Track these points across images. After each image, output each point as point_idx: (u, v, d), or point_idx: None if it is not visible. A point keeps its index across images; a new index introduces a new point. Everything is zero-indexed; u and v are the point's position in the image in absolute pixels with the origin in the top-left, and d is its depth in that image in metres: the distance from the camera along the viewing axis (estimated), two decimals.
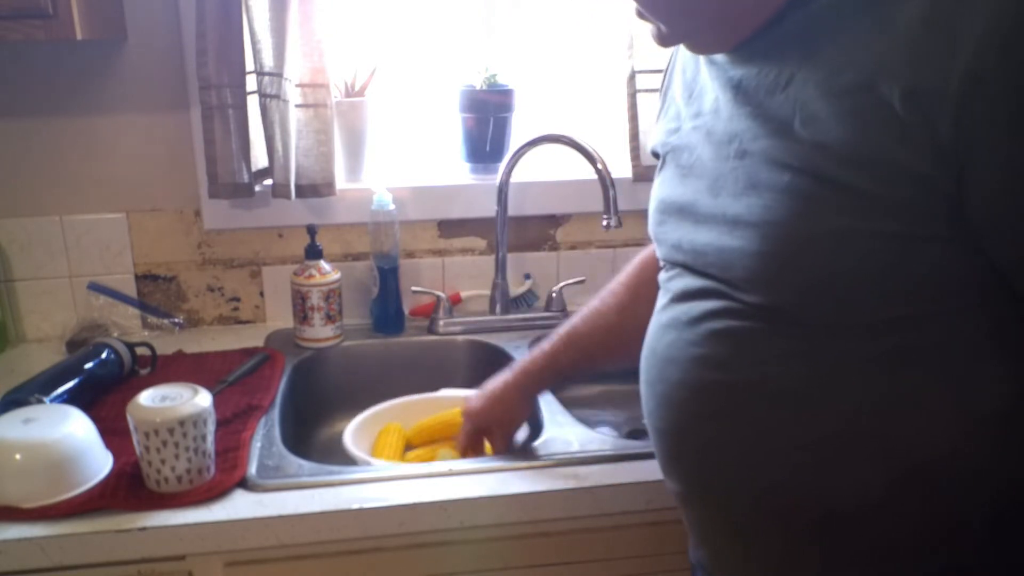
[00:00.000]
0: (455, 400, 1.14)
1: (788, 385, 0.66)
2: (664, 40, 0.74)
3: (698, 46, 0.74)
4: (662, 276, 0.81)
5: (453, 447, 1.08)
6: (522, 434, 1.07)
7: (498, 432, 1.04)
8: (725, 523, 0.74)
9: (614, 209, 1.28)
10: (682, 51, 0.83)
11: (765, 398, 0.67)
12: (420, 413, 1.17)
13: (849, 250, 0.61)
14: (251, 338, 1.36)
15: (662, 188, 0.82)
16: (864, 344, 0.63)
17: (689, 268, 0.75)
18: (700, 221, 0.73)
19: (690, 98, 0.79)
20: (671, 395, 0.74)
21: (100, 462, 0.93)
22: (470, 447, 1.05)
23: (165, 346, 1.31)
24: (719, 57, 0.73)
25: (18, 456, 0.86)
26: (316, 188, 1.33)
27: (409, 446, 1.13)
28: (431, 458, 1.07)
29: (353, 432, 1.08)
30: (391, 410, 1.16)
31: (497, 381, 1.03)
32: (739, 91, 0.69)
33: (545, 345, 1.03)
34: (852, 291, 0.62)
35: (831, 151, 0.60)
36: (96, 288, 1.36)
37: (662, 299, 0.80)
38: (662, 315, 0.78)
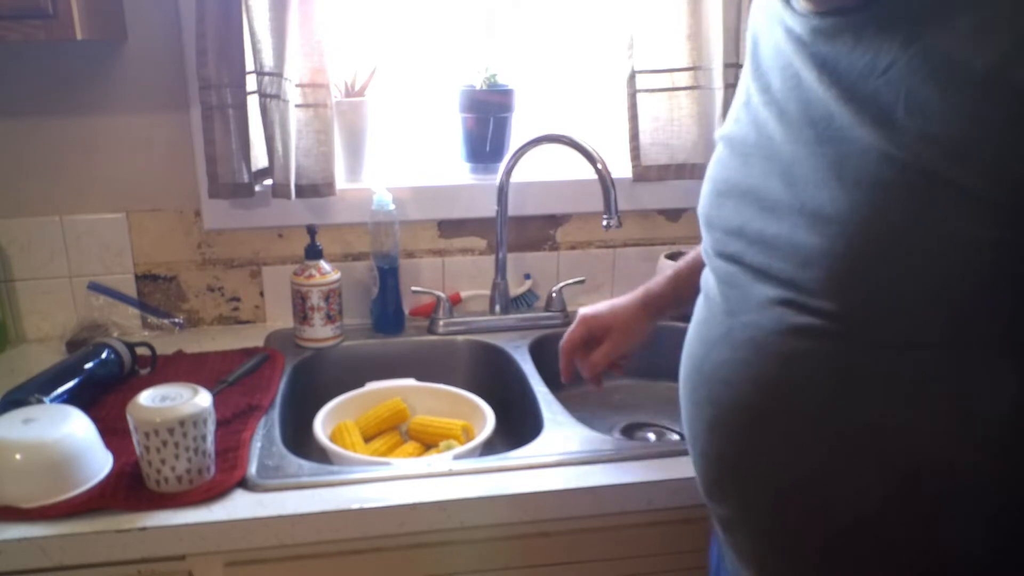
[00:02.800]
0: (396, 390, 1.22)
1: (866, 411, 0.60)
2: None
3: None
4: (708, 279, 0.74)
5: (458, 437, 1.09)
6: (627, 363, 1.03)
7: (609, 344, 0.98)
8: (781, 546, 0.69)
9: (614, 209, 1.28)
10: (756, 19, 0.76)
11: (839, 425, 0.61)
12: (369, 404, 1.20)
13: (959, 258, 0.54)
14: (251, 338, 1.36)
15: (719, 168, 0.75)
16: (940, 364, 0.57)
17: (749, 266, 0.68)
18: (768, 209, 0.66)
19: (758, 71, 0.72)
20: (724, 420, 0.68)
21: (100, 462, 0.93)
22: (573, 352, 0.99)
23: (165, 346, 1.31)
24: (803, 30, 0.65)
25: (18, 456, 0.86)
26: (316, 188, 1.33)
27: (366, 438, 1.15)
28: (395, 445, 1.12)
29: (322, 430, 1.09)
30: (345, 405, 1.18)
31: (620, 298, 1.00)
32: (825, 70, 0.62)
33: (660, 277, 1.00)
34: (960, 305, 0.55)
35: (941, 145, 0.54)
36: (96, 288, 1.36)
37: (709, 308, 0.73)
38: (711, 328, 0.71)
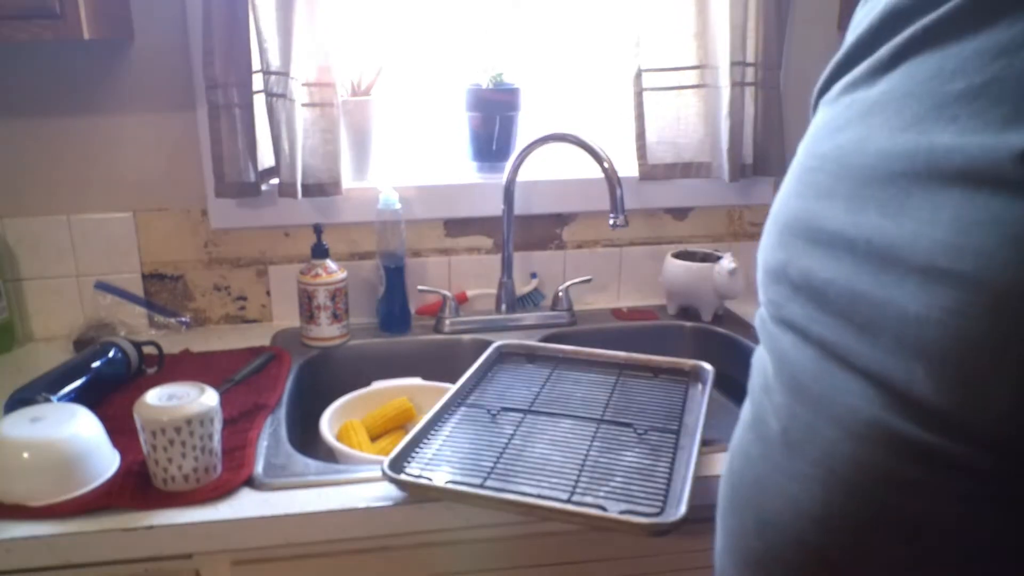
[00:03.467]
0: (402, 389, 1.22)
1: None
2: None
3: None
4: (762, 357, 0.57)
5: None
6: None
7: None
8: None
9: (621, 208, 1.28)
10: None
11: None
12: (375, 403, 1.20)
13: None
14: (257, 337, 1.37)
15: (782, 187, 0.58)
16: None
17: (810, 339, 0.50)
18: (822, 243, 0.50)
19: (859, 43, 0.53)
20: (771, 566, 0.52)
21: (107, 461, 0.93)
22: None
23: (172, 345, 1.31)
24: None
25: (26, 455, 0.86)
26: (322, 187, 1.33)
27: (372, 437, 1.15)
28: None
29: (328, 429, 1.09)
30: (351, 404, 1.18)
31: None
32: (970, 12, 0.44)
33: None
34: None
35: None
36: (103, 287, 1.37)
37: (756, 402, 0.56)
38: (760, 430, 0.54)
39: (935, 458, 0.42)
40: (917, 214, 0.43)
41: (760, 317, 0.58)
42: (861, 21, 0.53)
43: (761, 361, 0.58)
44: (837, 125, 0.52)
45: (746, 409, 0.59)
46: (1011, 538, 0.41)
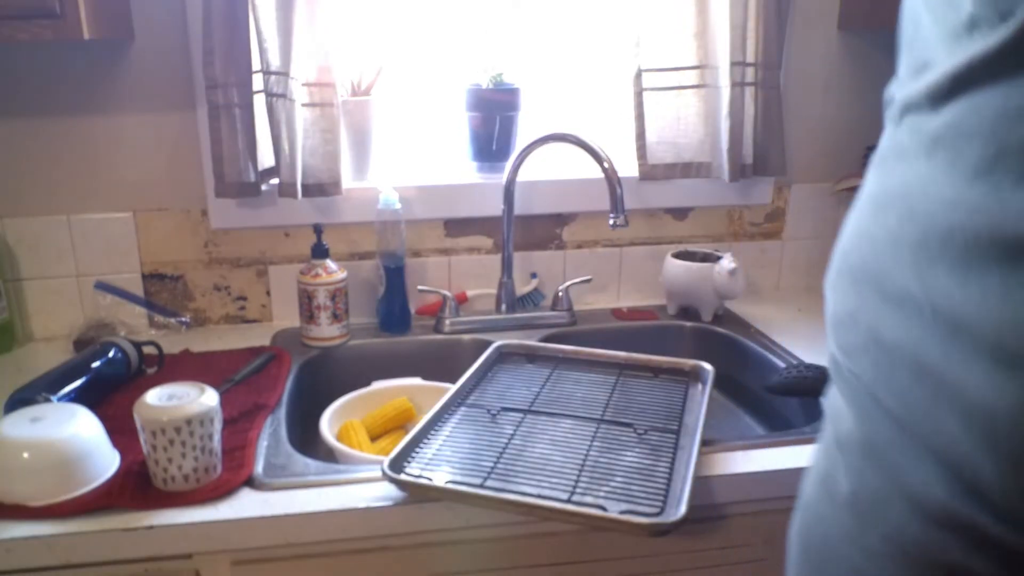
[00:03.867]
0: (402, 389, 1.22)
1: None
2: None
3: None
4: (834, 401, 0.53)
5: None
6: None
7: None
8: None
9: (620, 208, 1.28)
10: None
11: None
12: (375, 403, 1.20)
13: None
14: (258, 337, 1.37)
15: (853, 214, 0.53)
16: None
17: (879, 404, 0.47)
18: (891, 298, 0.45)
19: (911, 44, 0.50)
20: None
21: (107, 461, 0.93)
22: None
23: (172, 345, 1.31)
24: None
25: (25, 455, 0.86)
26: (322, 187, 1.33)
27: (372, 437, 1.15)
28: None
29: (328, 429, 1.09)
30: (351, 404, 1.18)
31: None
32: None
33: None
34: None
35: None
36: (103, 287, 1.37)
37: (829, 456, 0.53)
38: (829, 488, 0.52)
39: (1008, 554, 0.40)
40: (985, 282, 0.39)
41: (833, 361, 0.54)
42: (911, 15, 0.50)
43: (835, 410, 0.54)
44: (904, 154, 0.48)
45: (817, 458, 0.57)
46: None
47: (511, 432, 1.00)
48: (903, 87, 0.50)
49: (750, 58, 1.39)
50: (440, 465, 0.91)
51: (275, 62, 1.25)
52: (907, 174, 0.46)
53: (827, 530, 0.52)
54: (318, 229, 1.32)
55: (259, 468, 0.95)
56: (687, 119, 1.43)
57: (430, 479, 0.88)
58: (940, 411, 0.41)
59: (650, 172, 1.45)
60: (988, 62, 0.41)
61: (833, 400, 0.55)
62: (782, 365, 1.24)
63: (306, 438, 1.13)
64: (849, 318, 0.50)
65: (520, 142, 1.41)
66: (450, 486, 0.86)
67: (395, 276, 1.37)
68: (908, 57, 0.50)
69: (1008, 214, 0.38)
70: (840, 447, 0.52)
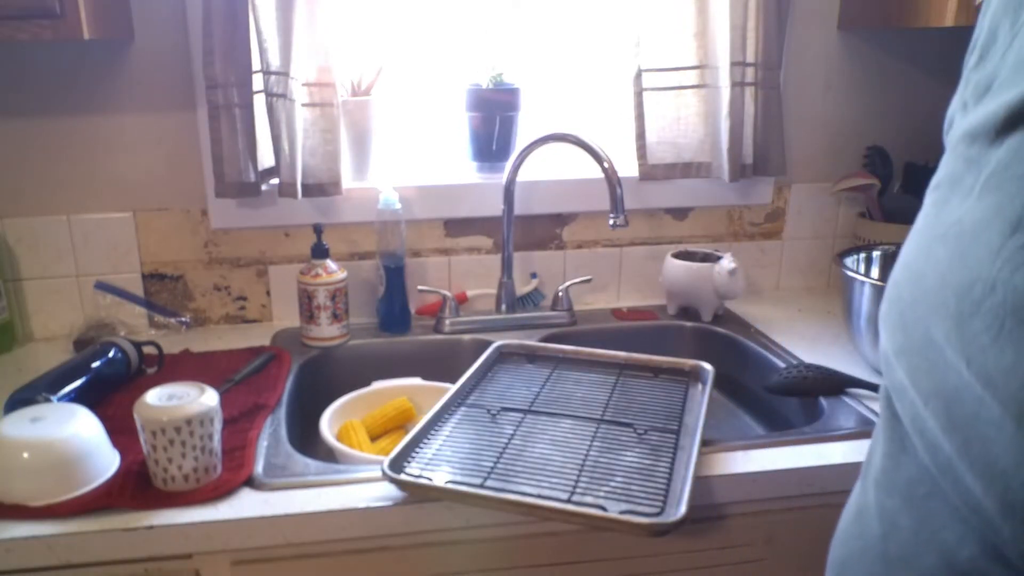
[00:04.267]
0: (402, 389, 1.22)
1: None
2: None
3: None
4: (877, 443, 0.53)
5: None
6: None
7: None
8: None
9: (620, 208, 1.28)
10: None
11: None
12: (375, 403, 1.20)
13: None
14: (258, 337, 1.37)
15: (908, 242, 0.50)
16: None
17: (912, 438, 0.46)
18: (934, 343, 0.43)
19: (982, 63, 0.47)
20: None
21: (107, 461, 0.93)
22: None
23: (172, 345, 1.31)
24: None
25: (25, 454, 0.86)
26: (322, 187, 1.33)
27: (372, 437, 1.15)
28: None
29: (328, 429, 1.09)
30: (351, 404, 1.18)
31: None
32: None
33: None
34: None
35: None
36: (103, 287, 1.37)
37: (864, 497, 0.53)
38: (867, 512, 0.51)
39: None
40: (1018, 345, 0.37)
41: (884, 394, 0.53)
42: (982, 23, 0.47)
43: (878, 445, 0.53)
44: (960, 187, 0.45)
45: (855, 496, 0.56)
46: None
47: (511, 432, 1.00)
48: (967, 110, 0.47)
49: (750, 58, 1.39)
50: (440, 465, 0.91)
51: (275, 62, 1.25)
52: (961, 211, 0.43)
53: (858, 570, 0.52)
54: (318, 229, 1.32)
55: (259, 468, 0.95)
56: (687, 119, 1.43)
57: (430, 479, 0.88)
58: (970, 466, 0.40)
59: (650, 172, 1.45)
60: None
61: (878, 434, 0.53)
62: (782, 365, 1.24)
63: (306, 438, 1.13)
64: (897, 355, 0.48)
65: (520, 142, 1.41)
66: (450, 486, 0.86)
67: (395, 276, 1.37)
68: (978, 73, 0.47)
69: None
70: (877, 486, 0.51)
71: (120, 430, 0.97)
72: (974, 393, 0.39)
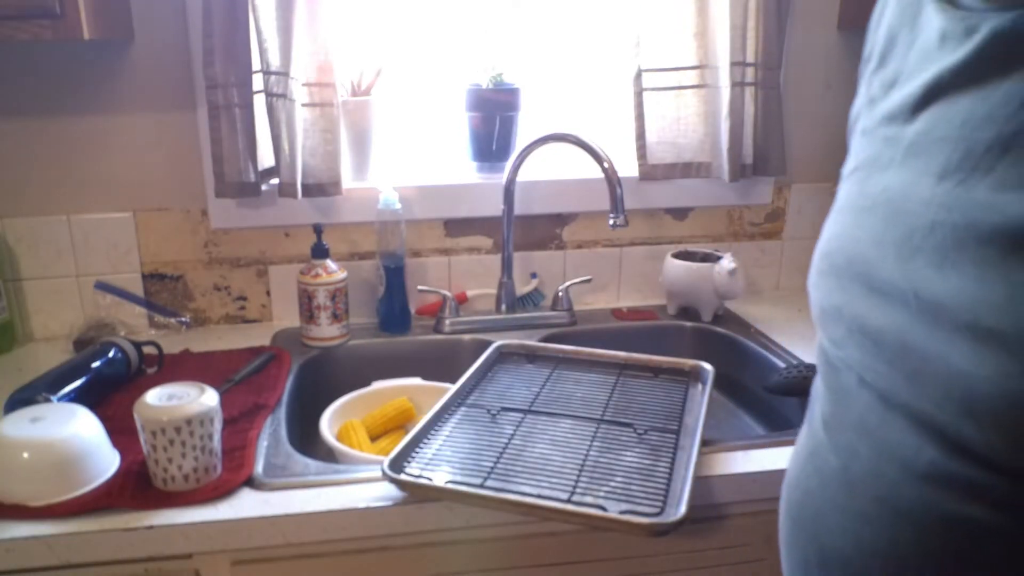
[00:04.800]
0: (402, 389, 1.22)
1: None
2: None
3: None
4: (817, 385, 0.60)
5: None
6: None
7: None
8: None
9: (620, 208, 1.28)
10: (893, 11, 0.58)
11: None
12: (375, 403, 1.20)
13: None
14: (258, 337, 1.37)
15: (832, 220, 0.58)
16: None
17: (864, 382, 0.52)
18: (876, 291, 0.50)
19: (882, 66, 0.56)
20: None
21: (107, 461, 0.93)
22: None
23: (172, 345, 1.31)
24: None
25: (25, 454, 0.86)
26: (322, 187, 1.33)
27: (372, 437, 1.15)
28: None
29: (328, 429, 1.09)
30: (351, 404, 1.18)
31: None
32: (996, 57, 0.44)
33: None
34: None
35: None
36: (103, 287, 1.37)
37: (813, 433, 0.59)
38: (818, 462, 0.57)
39: (996, 498, 0.44)
40: (961, 269, 0.43)
41: (822, 351, 0.59)
42: (876, 29, 0.57)
43: (820, 395, 0.60)
44: (882, 163, 0.53)
45: (802, 442, 0.62)
46: None
47: (511, 432, 1.00)
48: (875, 104, 0.57)
49: (750, 58, 1.39)
50: (440, 465, 0.91)
51: (275, 62, 1.25)
52: (886, 179, 0.52)
53: (818, 504, 0.57)
54: (318, 229, 1.32)
55: (259, 468, 0.95)
56: (687, 119, 1.43)
57: (430, 479, 0.88)
58: (924, 384, 0.46)
59: (650, 172, 1.45)
60: (956, 73, 0.47)
61: (818, 386, 0.61)
62: (782, 365, 1.24)
63: (306, 438, 1.13)
64: (835, 312, 0.55)
65: (520, 142, 1.41)
66: (450, 486, 0.86)
67: (395, 276, 1.37)
68: (879, 76, 0.57)
69: (974, 207, 0.43)
70: (827, 428, 0.57)
71: (120, 430, 0.97)
72: (924, 320, 0.46)
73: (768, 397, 1.25)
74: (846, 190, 0.57)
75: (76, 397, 1.04)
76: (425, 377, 1.27)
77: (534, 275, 1.51)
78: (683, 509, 0.81)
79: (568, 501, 0.84)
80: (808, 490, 0.58)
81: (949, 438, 0.45)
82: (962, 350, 0.43)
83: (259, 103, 1.28)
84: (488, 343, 1.25)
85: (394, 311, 1.39)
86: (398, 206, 1.35)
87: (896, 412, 0.49)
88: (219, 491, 0.90)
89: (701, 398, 1.08)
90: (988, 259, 0.42)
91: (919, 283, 0.46)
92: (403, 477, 0.88)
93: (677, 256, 1.45)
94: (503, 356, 1.24)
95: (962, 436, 0.44)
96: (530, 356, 1.24)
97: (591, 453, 0.95)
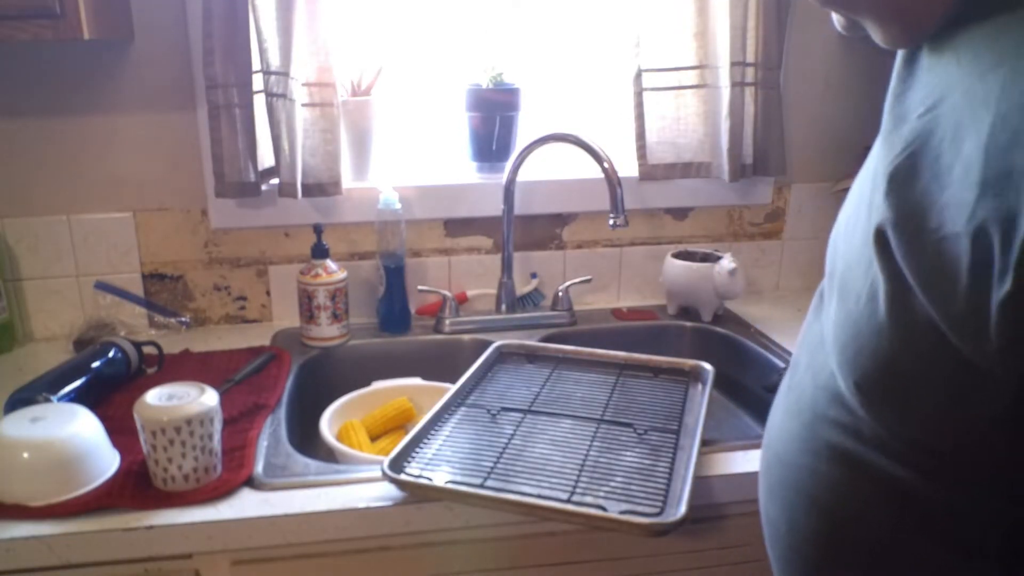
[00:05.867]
0: (402, 389, 1.22)
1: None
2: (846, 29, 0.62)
3: (881, 35, 0.57)
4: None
5: None
6: None
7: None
8: None
9: (620, 208, 1.28)
10: None
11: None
12: (375, 403, 1.20)
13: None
14: (258, 337, 1.37)
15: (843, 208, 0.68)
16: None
17: (814, 327, 0.66)
18: (838, 250, 0.63)
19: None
20: (796, 521, 0.66)
21: (107, 461, 0.93)
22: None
23: (172, 345, 1.31)
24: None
25: (26, 455, 0.86)
26: (322, 187, 1.33)
27: (372, 437, 1.15)
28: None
29: (328, 429, 1.09)
30: (351, 404, 1.18)
31: None
32: (899, 98, 0.55)
33: None
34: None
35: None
36: (103, 287, 1.37)
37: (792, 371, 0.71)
38: (790, 393, 0.69)
39: (864, 433, 0.56)
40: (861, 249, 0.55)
41: (818, 292, 0.71)
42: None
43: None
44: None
45: (788, 380, 0.72)
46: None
47: (511, 432, 1.00)
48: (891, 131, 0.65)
49: (750, 58, 1.39)
50: (440, 465, 0.91)
51: (275, 62, 1.25)
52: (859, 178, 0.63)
53: (771, 414, 0.71)
54: (318, 229, 1.32)
55: (259, 468, 0.95)
56: (687, 119, 1.43)
57: (430, 479, 0.88)
58: (822, 351, 0.60)
59: (650, 172, 1.45)
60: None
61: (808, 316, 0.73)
62: (782, 365, 1.24)
63: (306, 438, 1.13)
64: (831, 269, 0.65)
65: (520, 142, 1.41)
66: (450, 486, 0.86)
67: (395, 276, 1.37)
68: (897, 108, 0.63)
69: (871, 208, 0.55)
70: (799, 346, 0.71)
71: (120, 430, 0.97)
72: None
73: (768, 397, 1.23)
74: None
75: (76, 397, 1.04)
76: (425, 377, 1.27)
77: (534, 275, 1.51)
78: (683, 509, 0.81)
79: (568, 501, 0.84)
80: (778, 428, 0.69)
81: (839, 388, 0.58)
82: (850, 317, 0.57)
83: (259, 103, 1.28)
84: (488, 343, 1.25)
85: (394, 311, 1.39)
86: (398, 206, 1.35)
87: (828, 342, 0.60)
88: (219, 491, 0.90)
89: (701, 398, 1.08)
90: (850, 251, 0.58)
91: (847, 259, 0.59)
92: (403, 477, 0.88)
93: (677, 256, 1.45)
94: (503, 356, 1.24)
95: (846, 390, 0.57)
96: (530, 356, 1.24)
97: (591, 453, 0.95)
